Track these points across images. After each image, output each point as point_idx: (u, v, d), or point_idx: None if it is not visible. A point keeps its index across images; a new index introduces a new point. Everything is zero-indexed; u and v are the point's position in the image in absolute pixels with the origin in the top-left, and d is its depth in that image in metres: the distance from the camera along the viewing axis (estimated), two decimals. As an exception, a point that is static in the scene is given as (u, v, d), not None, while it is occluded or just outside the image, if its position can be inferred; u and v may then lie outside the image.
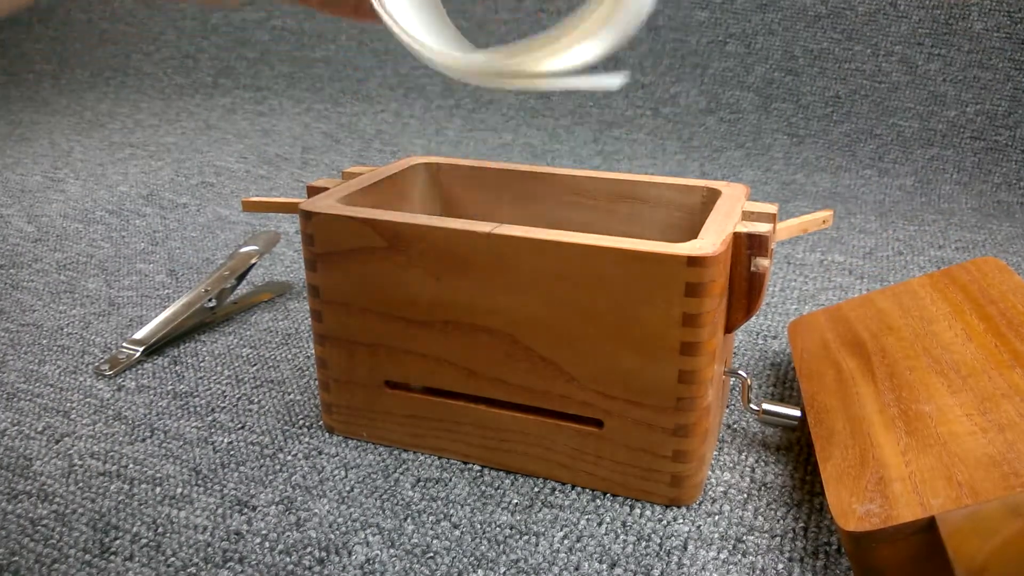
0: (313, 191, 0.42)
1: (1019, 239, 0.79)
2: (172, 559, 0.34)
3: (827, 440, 0.37)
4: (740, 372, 0.41)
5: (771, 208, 0.39)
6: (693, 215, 0.44)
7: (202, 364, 0.51)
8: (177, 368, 0.50)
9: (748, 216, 0.39)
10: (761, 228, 0.36)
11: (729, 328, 0.38)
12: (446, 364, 0.39)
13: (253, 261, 0.60)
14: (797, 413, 0.41)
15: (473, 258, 0.36)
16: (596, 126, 1.13)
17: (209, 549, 0.35)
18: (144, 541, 0.35)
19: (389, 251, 0.37)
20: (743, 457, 0.41)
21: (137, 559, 0.34)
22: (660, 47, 1.13)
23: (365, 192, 0.42)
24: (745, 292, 0.36)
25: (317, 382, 0.48)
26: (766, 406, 0.41)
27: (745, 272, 0.36)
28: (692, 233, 0.44)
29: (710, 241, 0.34)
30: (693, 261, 0.32)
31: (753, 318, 0.58)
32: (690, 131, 1.09)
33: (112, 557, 0.34)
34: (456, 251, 0.36)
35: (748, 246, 0.35)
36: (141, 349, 0.51)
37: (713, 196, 0.42)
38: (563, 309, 0.35)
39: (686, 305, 0.33)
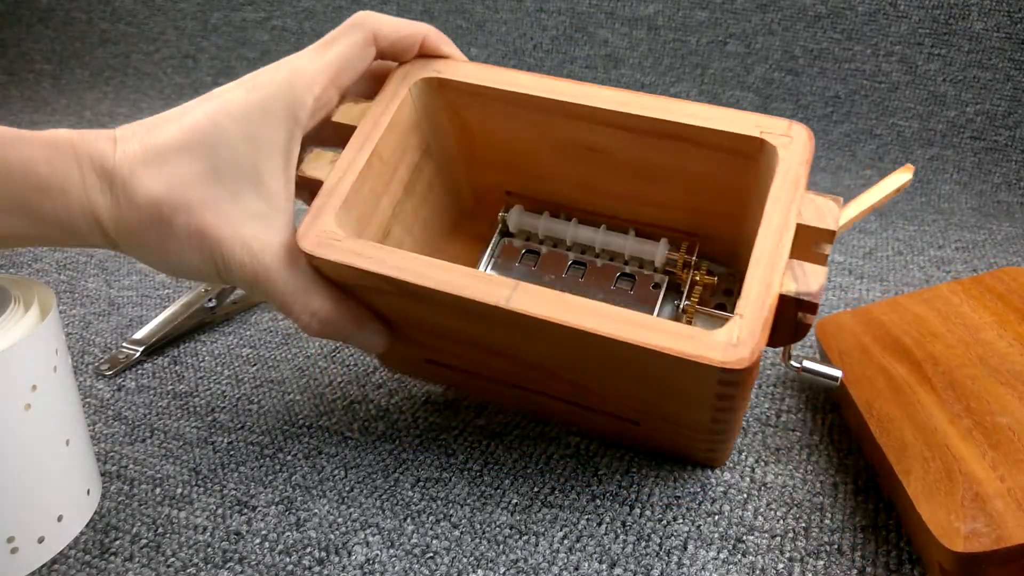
0: (306, 183, 0.36)
1: (1019, 239, 0.79)
2: (172, 559, 0.34)
3: (901, 452, 0.35)
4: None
5: (832, 213, 0.32)
6: (739, 172, 0.36)
7: (202, 364, 0.51)
8: (177, 368, 0.50)
9: (802, 236, 0.32)
10: (813, 286, 0.31)
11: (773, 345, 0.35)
12: (484, 367, 0.40)
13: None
14: (838, 373, 0.37)
15: (494, 318, 0.32)
16: (596, 126, 1.13)
17: (209, 549, 0.35)
18: (144, 541, 0.35)
19: (402, 296, 0.34)
20: (743, 457, 0.41)
21: (137, 559, 0.34)
22: (660, 47, 1.13)
23: (365, 175, 0.35)
24: (790, 332, 0.33)
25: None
26: (807, 364, 0.37)
27: (791, 321, 0.32)
28: (737, 203, 0.37)
29: (749, 334, 0.29)
30: (727, 371, 0.29)
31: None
32: (690, 131, 1.09)
33: (112, 557, 0.34)
34: (475, 311, 0.32)
35: (796, 305, 0.31)
36: (141, 349, 0.51)
37: (770, 154, 0.34)
38: (596, 365, 0.34)
39: (721, 389, 0.31)
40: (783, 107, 1.06)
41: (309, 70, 0.35)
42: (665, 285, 0.41)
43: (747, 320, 0.29)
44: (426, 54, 0.39)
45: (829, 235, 0.31)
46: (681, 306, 0.39)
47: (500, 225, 0.43)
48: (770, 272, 0.30)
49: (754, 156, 0.34)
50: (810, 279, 0.31)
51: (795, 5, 1.06)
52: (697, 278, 0.40)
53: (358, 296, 0.36)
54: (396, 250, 0.33)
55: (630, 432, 0.40)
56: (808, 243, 0.32)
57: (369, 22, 0.36)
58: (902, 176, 0.37)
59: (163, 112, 0.35)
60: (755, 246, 0.31)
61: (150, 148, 0.33)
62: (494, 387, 0.42)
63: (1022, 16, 0.94)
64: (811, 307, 0.31)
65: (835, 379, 0.38)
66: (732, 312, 0.32)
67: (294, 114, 0.34)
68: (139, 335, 0.53)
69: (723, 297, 0.41)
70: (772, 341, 0.33)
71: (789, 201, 0.31)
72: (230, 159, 0.33)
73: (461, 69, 0.38)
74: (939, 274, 0.68)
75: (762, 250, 0.31)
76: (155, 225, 0.32)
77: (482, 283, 0.31)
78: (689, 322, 0.39)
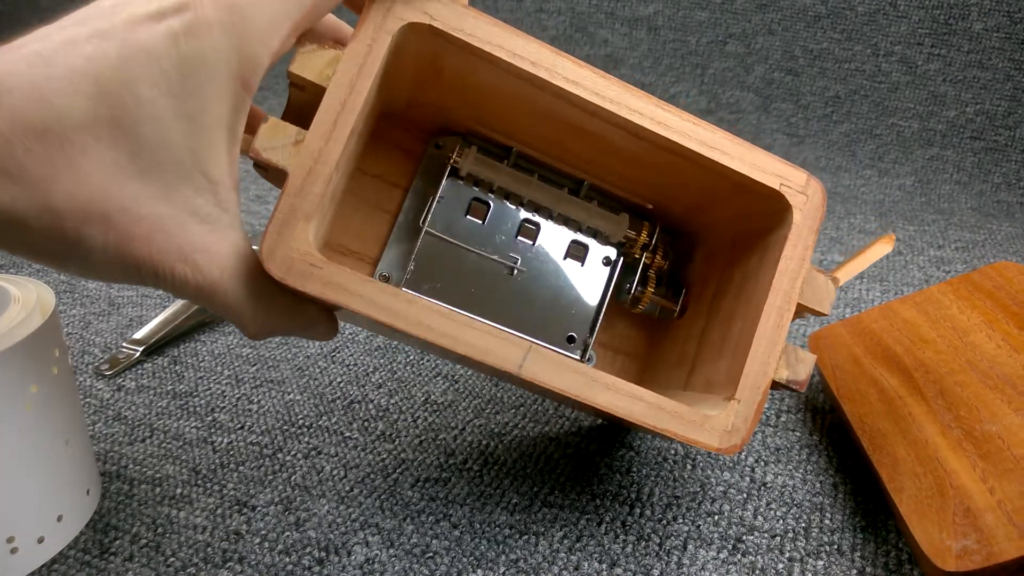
0: (264, 165, 0.27)
1: (1019, 239, 0.79)
2: (172, 559, 0.34)
3: (893, 468, 0.35)
4: None
5: (829, 296, 0.33)
6: (749, 215, 0.36)
7: (202, 364, 0.51)
8: (177, 368, 0.50)
9: (803, 311, 0.33)
10: (801, 375, 0.32)
11: None
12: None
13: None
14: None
15: (494, 373, 0.32)
16: (596, 126, 1.13)
17: (209, 549, 0.35)
18: (144, 541, 0.35)
19: (383, 327, 0.30)
20: (743, 457, 0.41)
21: (137, 559, 0.34)
22: (660, 47, 1.13)
23: (340, 164, 0.29)
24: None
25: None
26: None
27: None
28: (730, 219, 0.37)
29: (747, 418, 0.31)
30: (723, 452, 0.31)
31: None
32: (690, 131, 1.09)
33: (112, 557, 0.34)
34: (475, 365, 0.31)
35: (780, 387, 0.33)
36: (141, 349, 0.51)
37: (782, 210, 0.33)
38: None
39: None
40: (783, 107, 1.06)
41: (266, 13, 0.25)
42: (620, 264, 0.39)
43: (743, 405, 0.31)
44: None
45: (821, 315, 0.33)
46: (633, 292, 0.39)
47: (449, 167, 0.38)
48: (768, 355, 0.31)
49: (766, 198, 0.33)
50: (800, 368, 0.32)
51: (795, 5, 1.06)
52: (652, 262, 0.39)
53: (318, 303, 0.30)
54: (384, 286, 0.28)
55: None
56: (800, 313, 0.33)
57: None
58: (885, 247, 0.37)
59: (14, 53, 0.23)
60: (759, 324, 0.31)
61: (28, 124, 0.21)
62: None
63: (1022, 16, 0.94)
64: (796, 390, 0.33)
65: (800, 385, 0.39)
66: (678, 302, 0.37)
67: (245, 77, 0.25)
68: (139, 335, 0.53)
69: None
70: None
71: (795, 278, 0.32)
72: (158, 145, 0.23)
73: (456, 16, 0.29)
74: (939, 274, 0.68)
75: (764, 330, 0.31)
76: (55, 241, 0.23)
77: (491, 343, 0.29)
78: (642, 310, 0.39)
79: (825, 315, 0.33)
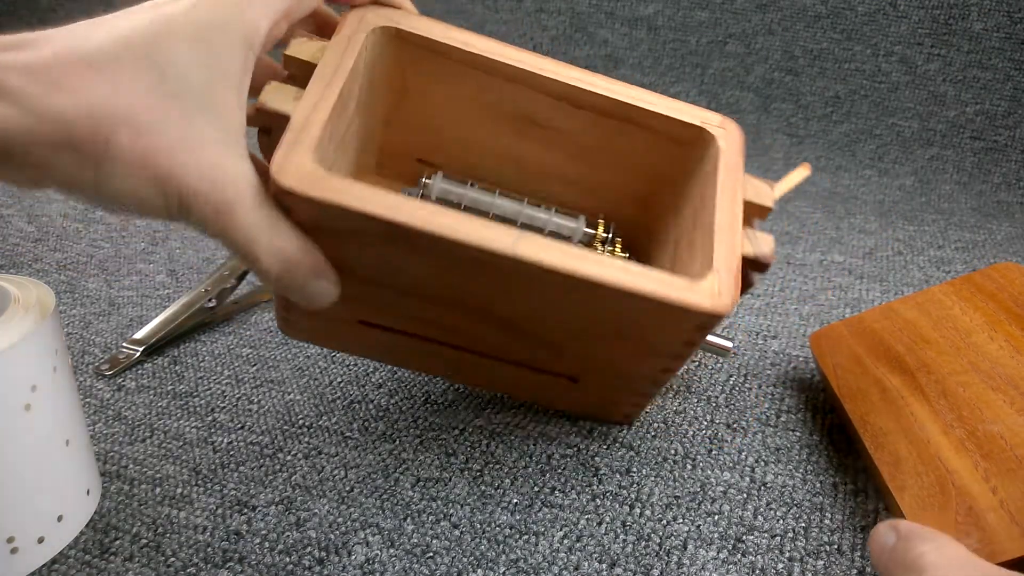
0: (268, 117, 0.33)
1: (1019, 239, 0.79)
2: (172, 559, 0.34)
3: (895, 467, 0.35)
4: None
5: (767, 195, 0.38)
6: (677, 158, 0.40)
7: (202, 364, 0.51)
8: (177, 368, 0.50)
9: (749, 212, 0.37)
10: (765, 249, 0.36)
11: None
12: (432, 325, 0.38)
13: (253, 261, 0.60)
14: (729, 344, 0.44)
15: (487, 267, 0.33)
16: (596, 126, 1.13)
17: (209, 549, 0.35)
18: (144, 541, 0.35)
19: (387, 241, 0.32)
20: (743, 457, 0.41)
21: (137, 559, 0.34)
22: (660, 47, 1.13)
23: (335, 107, 0.33)
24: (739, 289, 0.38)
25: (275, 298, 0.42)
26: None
27: (742, 281, 0.37)
28: (668, 184, 0.41)
29: (726, 281, 0.33)
30: (713, 316, 0.33)
31: (753, 317, 0.58)
32: (690, 131, 1.09)
33: (112, 557, 0.34)
34: (467, 256, 0.32)
35: (752, 264, 0.36)
36: (141, 349, 0.51)
37: (708, 143, 0.38)
38: (573, 316, 0.35)
39: (693, 335, 0.35)
40: (783, 107, 1.06)
41: (255, 3, 0.31)
42: None
43: (722, 275, 0.33)
44: (380, 1, 0.37)
45: (766, 211, 0.37)
46: None
47: (421, 190, 0.42)
48: (732, 237, 0.34)
49: (692, 143, 0.39)
50: (762, 244, 0.36)
51: (795, 5, 1.06)
52: (613, 252, 0.43)
53: (320, 243, 0.33)
54: (382, 191, 0.31)
55: (561, 392, 0.42)
56: (749, 218, 0.37)
57: None
58: (803, 172, 0.42)
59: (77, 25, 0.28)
60: (715, 219, 0.35)
61: (74, 53, 0.26)
62: (425, 351, 0.40)
63: (1022, 16, 0.94)
64: (763, 267, 0.36)
65: (726, 350, 0.45)
66: None
67: (248, 38, 0.30)
68: (139, 335, 0.53)
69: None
70: None
71: (735, 182, 0.36)
72: (180, 78, 0.28)
73: (416, 22, 0.36)
74: (939, 274, 0.68)
75: (722, 221, 0.35)
76: (86, 143, 0.26)
77: (485, 228, 0.31)
78: None
79: (770, 208, 0.37)
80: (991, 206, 0.90)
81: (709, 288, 0.33)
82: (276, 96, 0.33)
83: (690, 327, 0.34)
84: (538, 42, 1.20)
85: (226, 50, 0.29)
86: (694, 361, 0.51)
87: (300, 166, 0.30)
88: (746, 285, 0.37)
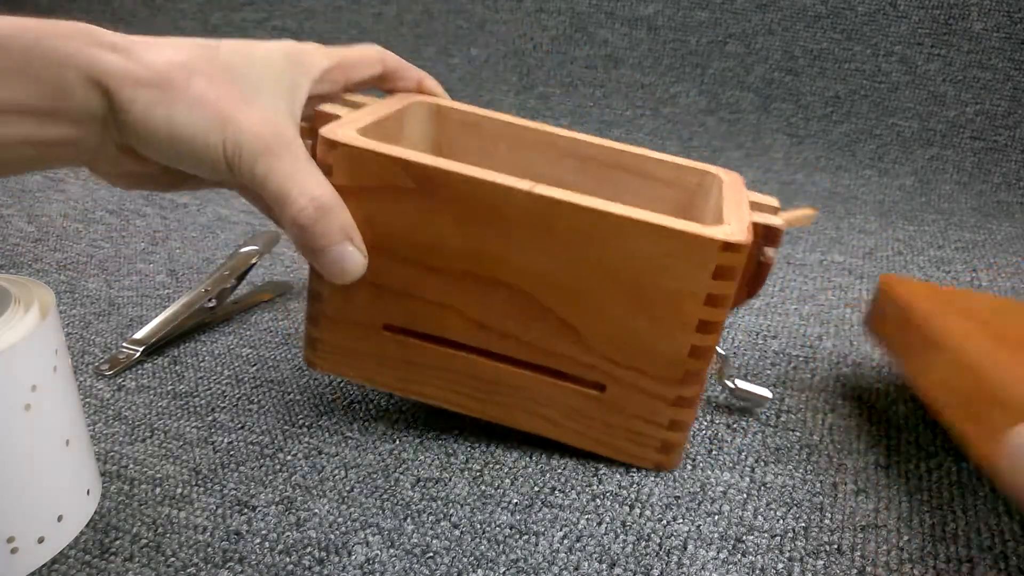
0: (324, 118, 0.40)
1: (1019, 239, 0.79)
2: (172, 559, 0.34)
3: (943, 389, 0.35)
4: (720, 350, 0.43)
5: (773, 201, 0.40)
6: (686, 196, 0.44)
7: (202, 364, 0.51)
8: (177, 368, 0.51)
9: (755, 207, 0.39)
10: (776, 221, 0.37)
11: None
12: (456, 314, 0.38)
13: (253, 261, 0.60)
14: (767, 394, 0.44)
15: (506, 212, 0.35)
16: (596, 126, 1.13)
17: (209, 549, 0.35)
18: (144, 541, 0.35)
19: (416, 194, 0.36)
20: (743, 457, 0.41)
21: (137, 559, 0.34)
22: (660, 47, 1.13)
23: (376, 126, 0.40)
24: (750, 279, 0.38)
25: (305, 317, 0.45)
26: (739, 383, 0.44)
27: (753, 260, 0.37)
28: (682, 214, 0.44)
29: (739, 228, 0.34)
30: (728, 246, 0.33)
31: (753, 317, 0.58)
32: (690, 131, 1.09)
33: (112, 557, 0.34)
34: (490, 204, 0.35)
35: (763, 236, 0.37)
36: (141, 349, 0.51)
37: (710, 181, 0.43)
38: (590, 274, 0.36)
39: (713, 287, 0.34)
40: (783, 107, 1.06)
41: (318, 50, 0.39)
42: None
43: (733, 224, 0.35)
44: (421, 91, 0.47)
45: (775, 209, 0.39)
46: None
47: None
48: (740, 210, 0.37)
49: (699, 185, 0.44)
50: (774, 220, 0.37)
51: (795, 5, 1.06)
52: None
53: (353, 210, 0.37)
54: (420, 152, 0.36)
55: (591, 413, 0.39)
56: (758, 241, 0.38)
57: (380, 48, 0.43)
58: (807, 215, 0.43)
59: None
60: (723, 206, 0.37)
61: (156, 41, 0.33)
62: (448, 369, 0.40)
63: (1022, 16, 0.94)
64: (775, 238, 0.37)
65: (765, 398, 0.44)
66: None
67: (306, 69, 0.37)
68: (139, 335, 0.53)
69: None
70: (736, 295, 0.39)
71: (739, 192, 0.39)
72: (248, 76, 0.35)
73: (448, 101, 0.46)
74: (939, 274, 0.68)
75: (730, 203, 0.37)
76: (168, 84, 0.32)
77: (505, 179, 0.35)
78: None
79: (775, 204, 0.39)
80: (991, 206, 0.90)
81: (723, 232, 0.34)
82: (330, 107, 0.40)
83: (707, 273, 0.34)
84: (538, 42, 1.20)
85: (288, 72, 0.36)
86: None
87: (345, 132, 0.36)
88: (763, 267, 0.37)
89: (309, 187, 0.34)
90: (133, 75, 0.31)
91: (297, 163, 0.34)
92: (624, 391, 0.38)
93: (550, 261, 0.36)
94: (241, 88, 0.34)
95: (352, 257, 0.36)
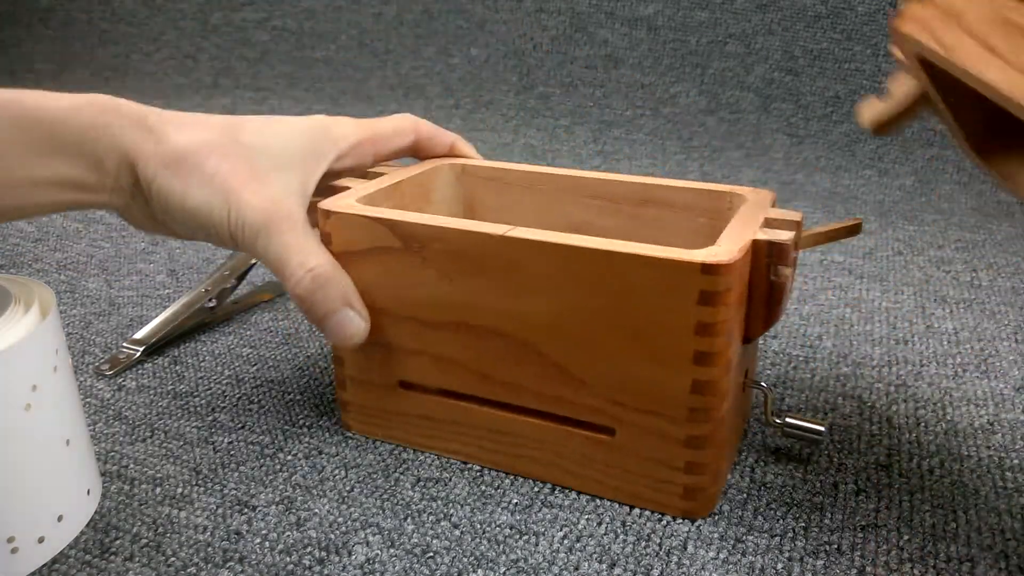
0: (336, 191, 0.42)
1: (1019, 239, 0.79)
2: (172, 559, 0.34)
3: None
4: (762, 384, 0.40)
5: (795, 216, 0.37)
6: (719, 221, 0.42)
7: (202, 364, 0.51)
8: (177, 368, 0.51)
9: (771, 223, 0.36)
10: (782, 236, 0.34)
11: (748, 338, 0.36)
12: (458, 366, 0.39)
13: (253, 261, 0.60)
14: (821, 428, 0.39)
15: (487, 260, 0.35)
16: (596, 126, 1.13)
17: (209, 549, 0.35)
18: (144, 541, 0.35)
19: (404, 252, 0.37)
20: (743, 457, 0.41)
21: (137, 559, 0.34)
22: (660, 47, 1.13)
23: (387, 192, 0.42)
24: (764, 301, 0.35)
25: (334, 380, 0.46)
26: (789, 419, 0.40)
27: (765, 281, 0.35)
28: (715, 241, 0.42)
29: (726, 248, 0.32)
30: (707, 268, 0.31)
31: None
32: (690, 131, 1.09)
33: (112, 557, 0.34)
34: (470, 252, 0.36)
35: (768, 254, 0.34)
36: (141, 349, 0.51)
37: (738, 202, 0.41)
38: (576, 314, 0.35)
39: (700, 314, 0.32)
40: (783, 107, 1.06)
41: (347, 124, 0.41)
42: None
43: (724, 244, 0.33)
44: (456, 155, 0.48)
45: (796, 224, 0.36)
46: None
47: None
48: (743, 228, 0.35)
49: (724, 208, 0.42)
50: (780, 236, 0.34)
51: (795, 5, 1.06)
52: None
53: (353, 272, 0.38)
54: (404, 211, 0.38)
55: (605, 458, 0.37)
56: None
57: (414, 118, 0.45)
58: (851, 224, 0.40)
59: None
60: (727, 227, 0.35)
61: (187, 121, 0.37)
62: (462, 423, 0.40)
63: (1022, 16, 0.94)
64: (783, 255, 0.34)
65: (819, 433, 0.40)
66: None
67: (330, 145, 0.40)
68: (139, 335, 0.53)
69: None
70: (748, 331, 0.36)
71: (760, 208, 0.38)
72: (265, 152, 0.37)
73: (479, 163, 0.48)
74: (939, 274, 0.68)
75: (738, 218, 0.36)
76: (185, 162, 0.35)
77: (481, 226, 0.36)
78: None
79: (795, 219, 0.36)
80: (991, 206, 0.90)
81: (702, 252, 0.32)
82: (345, 181, 0.43)
83: (691, 299, 0.32)
84: (538, 42, 1.20)
85: (307, 150, 0.39)
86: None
87: (341, 201, 0.38)
88: (776, 287, 0.35)
89: (307, 259, 0.36)
90: (160, 156, 0.35)
91: (296, 236, 0.36)
92: (633, 434, 0.36)
93: (536, 305, 0.35)
94: (254, 164, 0.36)
95: (352, 322, 0.38)
